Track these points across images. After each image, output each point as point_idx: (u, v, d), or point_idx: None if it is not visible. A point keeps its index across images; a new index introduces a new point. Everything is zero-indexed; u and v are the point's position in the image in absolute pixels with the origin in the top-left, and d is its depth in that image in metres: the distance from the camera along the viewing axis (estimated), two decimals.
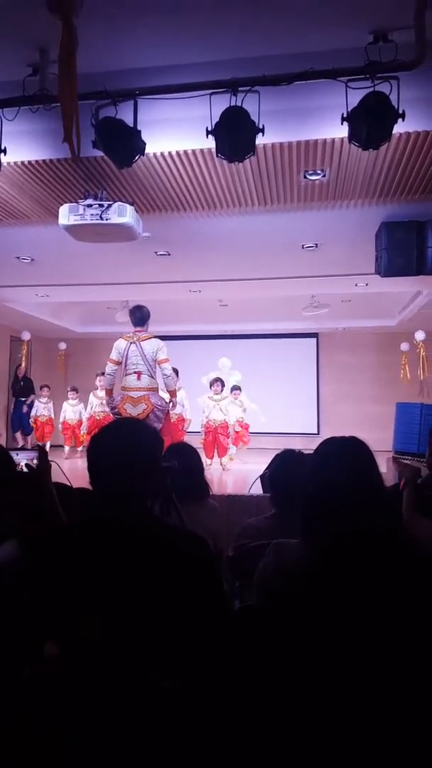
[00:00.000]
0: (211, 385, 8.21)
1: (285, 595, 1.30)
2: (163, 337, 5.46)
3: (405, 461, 6.30)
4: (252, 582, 1.61)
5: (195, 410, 8.32)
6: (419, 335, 9.65)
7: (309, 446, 1.64)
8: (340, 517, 1.26)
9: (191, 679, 1.20)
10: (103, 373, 8.29)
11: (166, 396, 5.43)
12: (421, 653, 1.13)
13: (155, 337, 5.26)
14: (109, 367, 5.30)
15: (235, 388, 8.76)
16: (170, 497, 2.36)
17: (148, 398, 5.04)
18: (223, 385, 8.20)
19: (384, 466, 7.06)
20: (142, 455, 1.44)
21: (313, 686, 1.16)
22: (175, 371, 7.24)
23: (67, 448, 9.27)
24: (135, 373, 5.12)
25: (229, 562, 2.40)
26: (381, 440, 9.37)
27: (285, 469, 2.27)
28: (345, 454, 1.35)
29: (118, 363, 5.23)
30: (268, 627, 1.28)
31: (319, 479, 1.34)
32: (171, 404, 5.36)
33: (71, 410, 9.31)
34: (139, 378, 5.10)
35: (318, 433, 10.75)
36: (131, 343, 5.18)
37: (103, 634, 1.18)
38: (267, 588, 1.48)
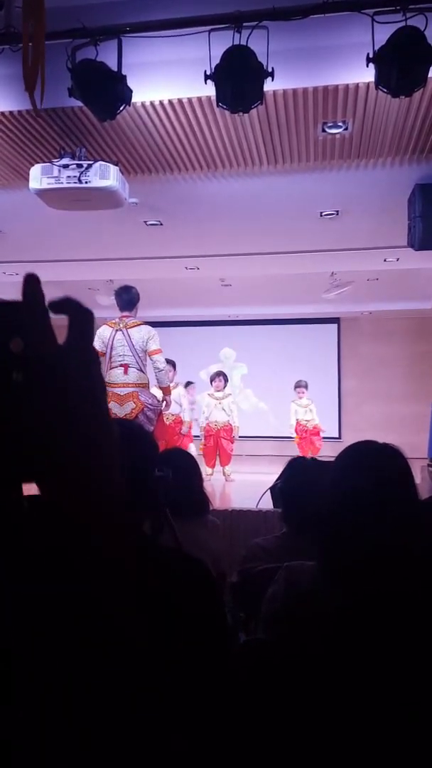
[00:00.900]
0: (212, 380, 8.21)
1: (297, 629, 1.29)
2: (155, 324, 5.45)
3: None
4: (259, 612, 1.62)
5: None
6: None
7: (329, 453, 1.64)
8: (364, 541, 1.24)
9: (185, 734, 1.20)
10: None
11: (159, 393, 5.42)
12: None
13: (145, 323, 5.26)
14: None
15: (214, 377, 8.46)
16: (163, 513, 2.37)
17: (136, 396, 5.04)
18: (226, 381, 8.21)
19: (418, 476, 7.08)
20: (130, 462, 1.43)
21: (327, 738, 1.15)
22: (172, 364, 7.27)
23: None
24: (121, 366, 5.12)
25: (233, 589, 2.40)
26: (414, 445, 9.33)
27: (298, 480, 2.27)
28: (375, 467, 1.32)
29: (102, 354, 5.23)
30: (276, 666, 1.28)
31: (341, 495, 1.32)
32: (164, 403, 5.37)
33: None
34: (126, 372, 5.10)
35: (339, 438, 10.75)
36: (117, 330, 5.17)
37: (73, 686, 1.18)
38: (276, 619, 1.48)
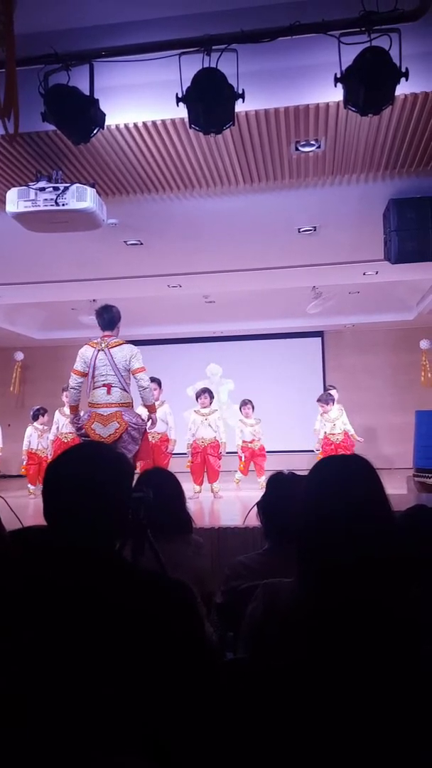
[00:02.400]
0: (198, 397, 8.21)
1: (276, 646, 1.29)
2: (139, 342, 5.44)
3: (428, 480, 6.31)
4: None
5: (182, 427, 8.32)
6: None
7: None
8: (337, 553, 1.25)
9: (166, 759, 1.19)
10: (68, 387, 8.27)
11: (144, 412, 5.41)
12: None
13: (127, 342, 5.26)
14: (74, 380, 5.27)
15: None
16: (144, 534, 2.36)
17: (120, 415, 5.01)
18: (211, 397, 8.21)
19: (404, 486, 7.09)
20: (106, 485, 1.43)
21: (307, 751, 1.14)
22: (157, 382, 7.25)
23: (32, 487, 8.42)
24: (104, 386, 5.09)
25: (218, 609, 2.39)
26: (401, 455, 9.43)
27: (277, 495, 2.26)
28: (342, 478, 1.33)
29: (84, 374, 5.20)
30: (256, 683, 1.27)
31: (311, 508, 1.33)
32: (150, 422, 5.35)
33: (37, 436, 9.01)
34: (109, 392, 5.07)
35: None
36: (99, 350, 5.16)
37: (53, 715, 1.17)
38: (256, 637, 1.47)
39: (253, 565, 2.20)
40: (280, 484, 2.32)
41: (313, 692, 1.18)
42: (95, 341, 5.24)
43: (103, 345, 5.17)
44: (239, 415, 8.93)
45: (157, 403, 6.28)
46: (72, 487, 1.40)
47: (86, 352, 5.21)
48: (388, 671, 1.17)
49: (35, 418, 8.87)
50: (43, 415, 8.88)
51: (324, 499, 1.30)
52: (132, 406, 5.24)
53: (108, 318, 5.25)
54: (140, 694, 1.22)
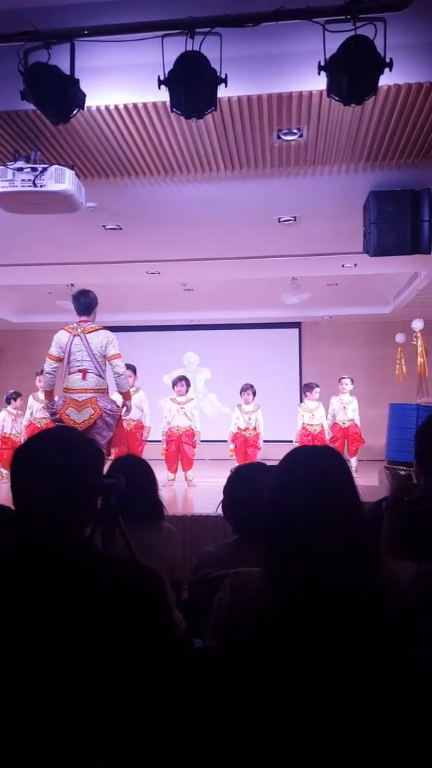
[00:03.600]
0: (174, 385, 8.19)
1: (242, 636, 1.28)
2: (116, 329, 5.39)
3: (399, 471, 6.37)
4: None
5: (158, 415, 8.29)
6: (417, 324, 9.75)
7: None
8: (302, 553, 1.22)
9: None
10: (42, 372, 8.17)
11: (119, 398, 5.38)
12: (394, 712, 1.12)
13: (104, 328, 5.21)
14: (49, 365, 5.22)
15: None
16: (116, 520, 2.34)
17: (95, 401, 4.97)
18: (188, 385, 8.20)
19: (376, 478, 7.15)
20: (74, 470, 1.41)
21: (271, 742, 1.14)
22: (132, 369, 7.21)
23: (5, 471, 8.69)
24: (79, 371, 5.05)
25: (184, 603, 2.38)
26: (375, 448, 9.51)
27: (239, 488, 2.25)
28: (310, 472, 1.29)
29: (59, 359, 5.15)
30: (222, 672, 1.26)
31: (277, 504, 1.30)
32: (125, 408, 5.32)
33: (11, 421, 8.90)
34: (84, 377, 5.03)
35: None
36: (74, 335, 5.11)
37: (20, 713, 1.15)
38: (223, 626, 1.46)
39: (222, 555, 2.19)
40: (244, 475, 2.31)
41: (279, 683, 1.18)
42: (71, 326, 5.19)
43: (79, 330, 5.13)
44: (216, 404, 8.91)
45: (132, 390, 6.25)
46: (39, 471, 1.38)
47: (62, 336, 5.16)
48: (356, 664, 1.16)
49: (8, 402, 8.77)
50: (15, 400, 8.77)
51: (290, 493, 1.28)
52: (107, 393, 5.21)
53: (85, 303, 5.21)
54: (106, 686, 1.21)
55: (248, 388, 8.58)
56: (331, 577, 1.20)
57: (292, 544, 1.23)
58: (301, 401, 9.64)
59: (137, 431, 7.68)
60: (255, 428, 8.48)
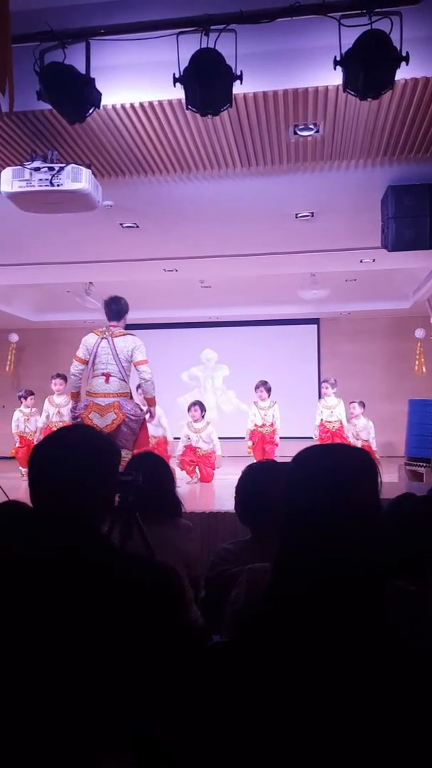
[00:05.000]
0: (189, 409, 7.98)
1: (253, 631, 1.28)
2: (134, 326, 5.41)
3: (419, 469, 6.33)
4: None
5: (177, 414, 8.23)
6: None
7: None
8: (317, 557, 1.21)
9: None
10: (59, 375, 8.21)
11: (141, 401, 5.38)
12: (407, 710, 1.12)
13: (131, 333, 5.24)
14: (75, 366, 5.23)
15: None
16: (133, 517, 2.36)
17: (118, 406, 4.95)
18: (203, 410, 7.96)
19: (396, 474, 7.12)
20: (92, 467, 1.43)
21: (283, 738, 1.15)
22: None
23: (23, 469, 8.30)
24: (103, 374, 5.03)
25: (201, 601, 2.39)
26: (394, 445, 9.45)
27: (252, 487, 2.24)
28: (330, 473, 1.24)
29: (85, 362, 5.16)
30: (237, 668, 1.27)
31: (293, 505, 1.25)
32: (149, 414, 5.31)
33: (24, 420, 8.92)
34: (107, 381, 5.02)
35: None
36: (102, 338, 5.14)
37: (37, 712, 1.17)
38: (239, 622, 1.47)
39: (238, 552, 2.19)
40: (257, 474, 2.30)
41: (287, 679, 1.18)
42: (100, 330, 5.24)
43: (107, 334, 5.16)
44: (235, 401, 8.83)
45: None
46: (57, 468, 1.40)
47: (89, 339, 5.20)
48: (365, 662, 1.17)
49: (20, 400, 8.82)
50: (26, 398, 8.78)
51: (307, 494, 1.24)
52: (130, 396, 5.22)
53: (116, 309, 5.26)
54: (123, 681, 1.22)
55: (261, 385, 8.42)
56: (342, 573, 1.19)
57: (305, 543, 1.22)
58: (320, 397, 9.55)
59: (159, 447, 7.59)
60: (272, 424, 8.31)
